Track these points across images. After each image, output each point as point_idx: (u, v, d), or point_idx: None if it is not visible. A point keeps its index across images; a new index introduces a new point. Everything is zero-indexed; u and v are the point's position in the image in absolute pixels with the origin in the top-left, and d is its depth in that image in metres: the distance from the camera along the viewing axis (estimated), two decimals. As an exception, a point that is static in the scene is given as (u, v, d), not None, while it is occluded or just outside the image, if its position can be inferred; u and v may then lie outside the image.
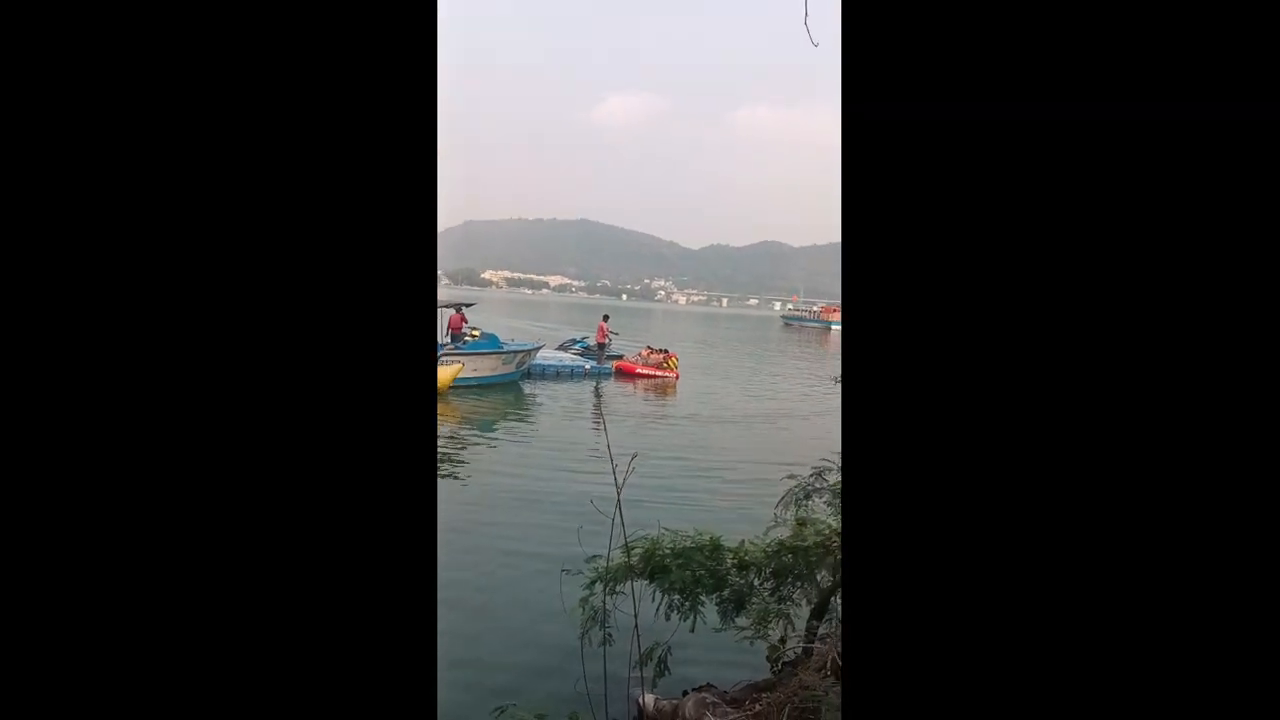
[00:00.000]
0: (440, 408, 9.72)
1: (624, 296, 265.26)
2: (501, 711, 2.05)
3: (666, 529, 2.83)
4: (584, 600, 2.68)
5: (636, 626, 2.15)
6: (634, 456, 2.11)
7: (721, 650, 2.88)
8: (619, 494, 1.99)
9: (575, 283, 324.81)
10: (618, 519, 2.09)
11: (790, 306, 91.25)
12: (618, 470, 2.07)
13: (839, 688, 1.85)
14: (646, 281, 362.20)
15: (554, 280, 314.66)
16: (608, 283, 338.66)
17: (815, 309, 75.89)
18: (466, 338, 12.18)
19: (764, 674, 2.81)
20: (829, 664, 2.12)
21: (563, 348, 16.78)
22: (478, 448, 7.93)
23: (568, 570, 2.78)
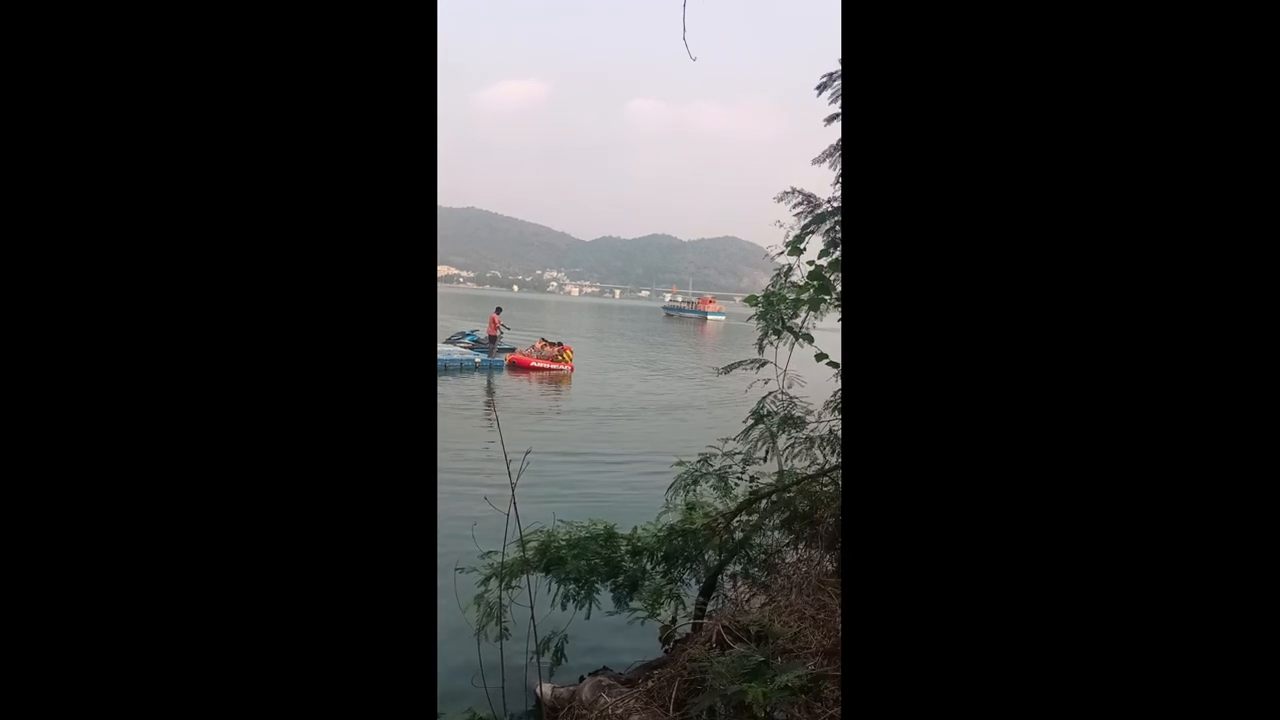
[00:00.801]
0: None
1: (515, 288, 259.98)
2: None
3: (562, 521, 2.89)
4: (479, 597, 2.68)
5: (533, 618, 2.19)
6: (528, 452, 2.14)
7: (619, 636, 2.99)
8: (513, 491, 2.02)
9: (463, 273, 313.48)
10: (512, 516, 2.11)
11: (672, 299, 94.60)
12: (511, 467, 2.09)
13: (723, 656, 2.00)
14: (538, 273, 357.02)
15: (441, 270, 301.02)
16: (498, 273, 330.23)
17: (693, 301, 79.97)
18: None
19: (657, 654, 2.95)
20: (714, 637, 2.27)
21: (451, 341, 16.23)
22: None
23: (461, 569, 2.77)
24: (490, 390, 12.02)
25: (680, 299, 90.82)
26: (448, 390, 11.19)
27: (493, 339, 15.17)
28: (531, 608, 2.19)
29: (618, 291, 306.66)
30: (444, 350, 14.51)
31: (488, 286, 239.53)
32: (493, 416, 9.53)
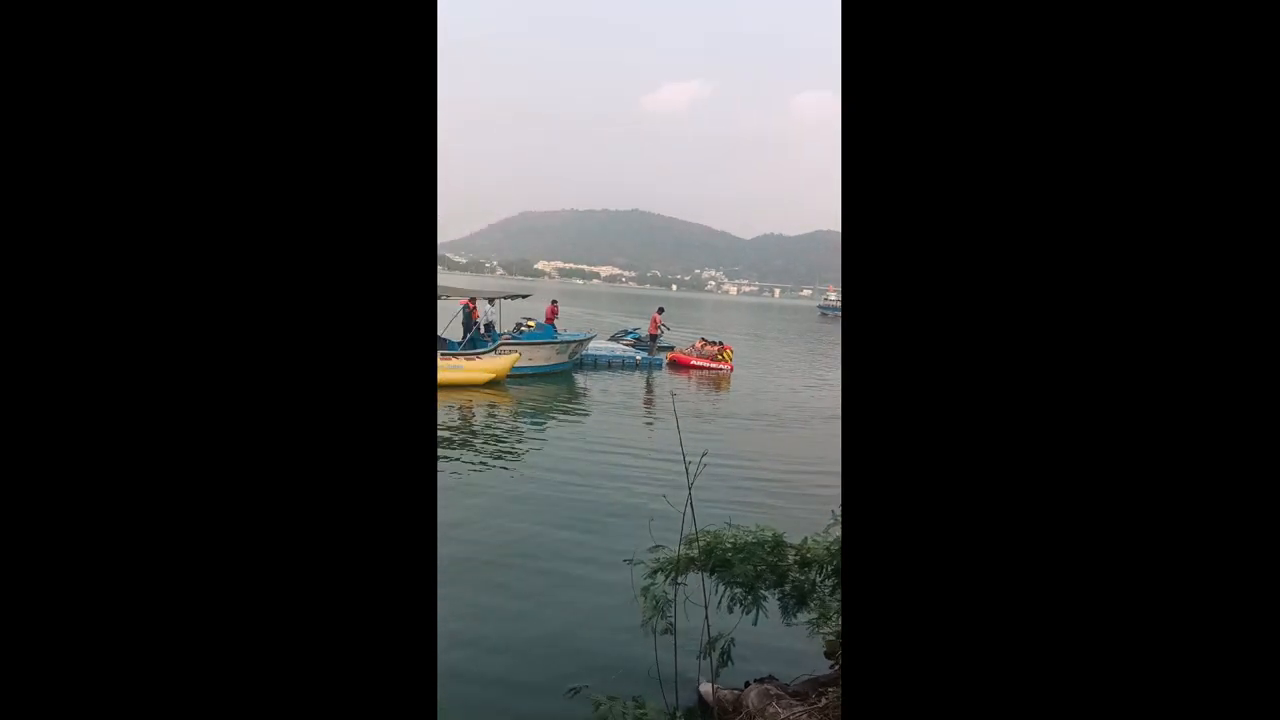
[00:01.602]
0: (497, 396, 9.98)
1: (674, 287, 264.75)
2: (575, 692, 2.16)
3: (729, 524, 2.89)
4: (645, 589, 2.77)
5: (707, 617, 2.22)
6: (704, 455, 2.17)
7: (776, 646, 2.93)
8: (690, 489, 2.06)
9: (626, 273, 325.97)
10: (688, 515, 2.16)
11: (830, 298, 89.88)
12: (672, 468, 2.13)
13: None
14: (697, 272, 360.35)
15: (605, 270, 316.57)
16: (658, 273, 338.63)
17: None
18: (523, 328, 12.51)
19: (821, 669, 2.85)
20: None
21: (615, 339, 16.95)
22: (533, 446, 8.05)
23: (629, 560, 2.88)
24: (650, 387, 12.33)
25: (832, 298, 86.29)
26: (612, 386, 11.65)
27: (653, 337, 15.60)
28: (706, 608, 2.22)
29: (777, 290, 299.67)
30: (608, 347, 15.21)
31: (648, 286, 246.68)
32: (653, 414, 9.74)
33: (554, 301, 15.18)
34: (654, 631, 2.59)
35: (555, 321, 14.43)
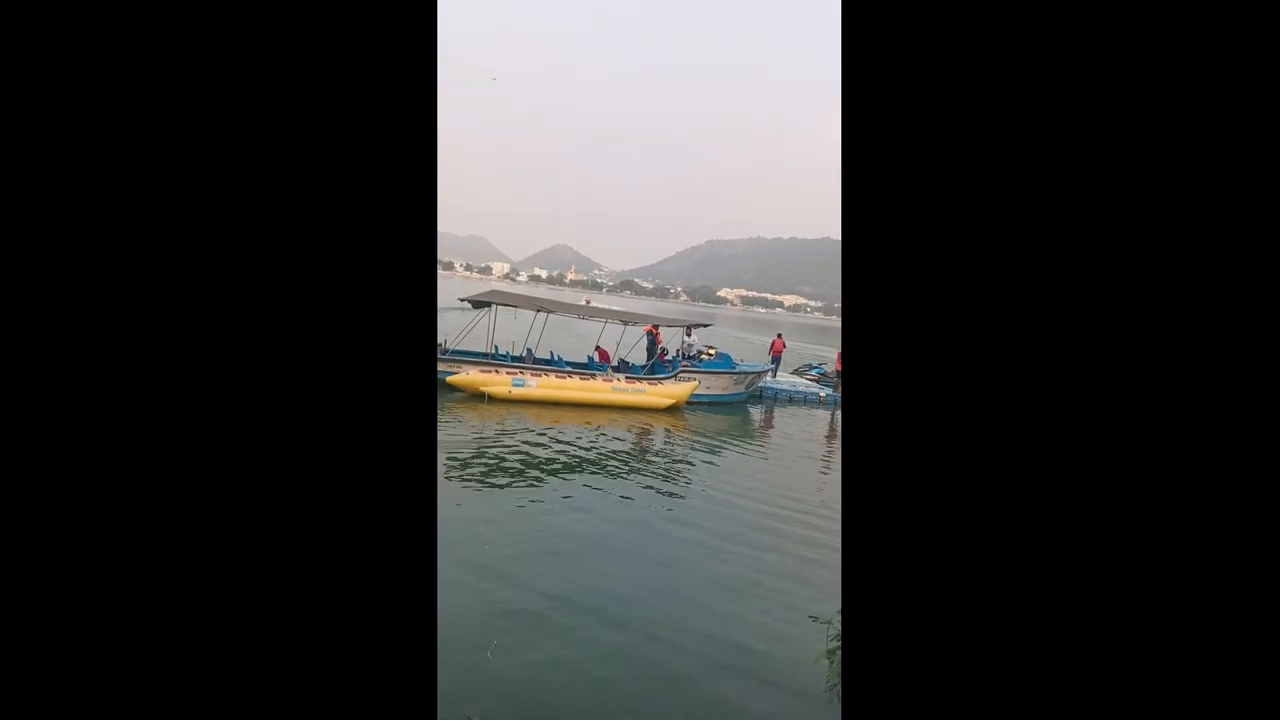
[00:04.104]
0: (675, 422, 10.17)
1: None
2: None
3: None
4: (830, 653, 2.63)
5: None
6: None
7: None
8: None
9: (811, 303, 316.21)
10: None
11: None
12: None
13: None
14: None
15: (789, 300, 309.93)
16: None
17: None
18: (703, 356, 12.67)
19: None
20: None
21: (798, 372, 16.46)
22: (708, 484, 8.06)
23: (814, 618, 2.76)
24: (833, 430, 11.72)
25: None
26: (793, 430, 11.05)
27: (839, 374, 14.88)
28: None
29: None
30: (789, 381, 14.83)
31: (834, 317, 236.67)
32: (830, 464, 9.24)
33: (779, 335, 15.74)
34: (836, 697, 2.45)
35: (783, 355, 14.96)
